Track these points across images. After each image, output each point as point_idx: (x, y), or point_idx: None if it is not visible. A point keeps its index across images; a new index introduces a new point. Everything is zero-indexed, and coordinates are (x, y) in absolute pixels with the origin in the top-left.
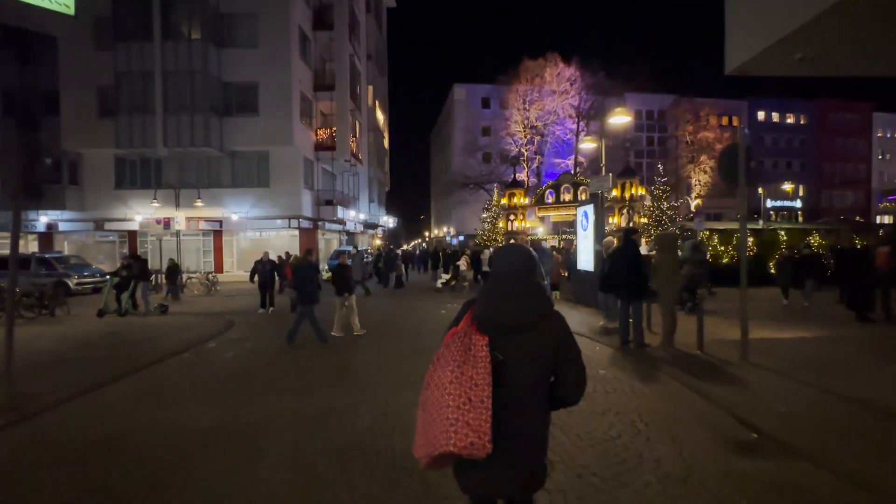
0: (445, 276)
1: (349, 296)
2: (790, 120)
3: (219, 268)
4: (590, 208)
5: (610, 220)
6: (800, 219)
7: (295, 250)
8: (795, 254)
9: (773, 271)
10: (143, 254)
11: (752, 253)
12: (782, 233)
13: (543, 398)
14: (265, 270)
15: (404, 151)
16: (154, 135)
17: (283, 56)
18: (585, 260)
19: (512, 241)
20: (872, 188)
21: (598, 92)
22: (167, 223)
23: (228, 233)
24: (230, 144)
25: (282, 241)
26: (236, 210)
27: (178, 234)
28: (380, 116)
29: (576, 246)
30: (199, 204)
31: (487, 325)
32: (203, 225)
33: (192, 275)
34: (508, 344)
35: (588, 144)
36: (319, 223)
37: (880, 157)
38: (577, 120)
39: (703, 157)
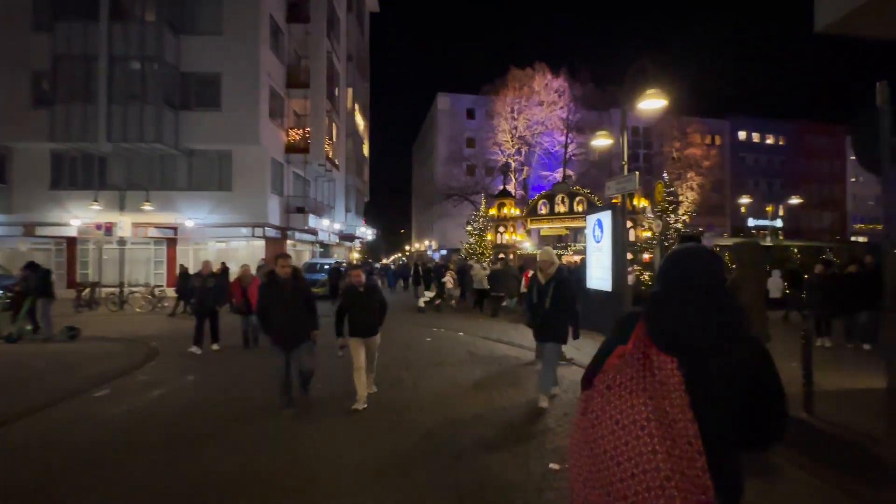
0: (429, 295)
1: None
2: (770, 140)
3: (172, 281)
4: (606, 216)
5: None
6: (780, 237)
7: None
8: (836, 271)
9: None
10: (84, 264)
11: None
12: (795, 249)
13: (734, 438)
14: (205, 290)
15: (386, 162)
16: (96, 127)
17: (251, 46)
18: (599, 278)
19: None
20: (848, 210)
21: (586, 105)
22: (108, 229)
23: (184, 241)
24: (187, 141)
25: (246, 251)
26: (192, 216)
27: (121, 241)
28: (360, 121)
29: (577, 262)
30: (147, 207)
31: (668, 343)
32: (153, 232)
33: (134, 289)
34: (694, 367)
35: (602, 141)
36: (289, 232)
37: (853, 179)
38: (565, 132)
39: (690, 174)
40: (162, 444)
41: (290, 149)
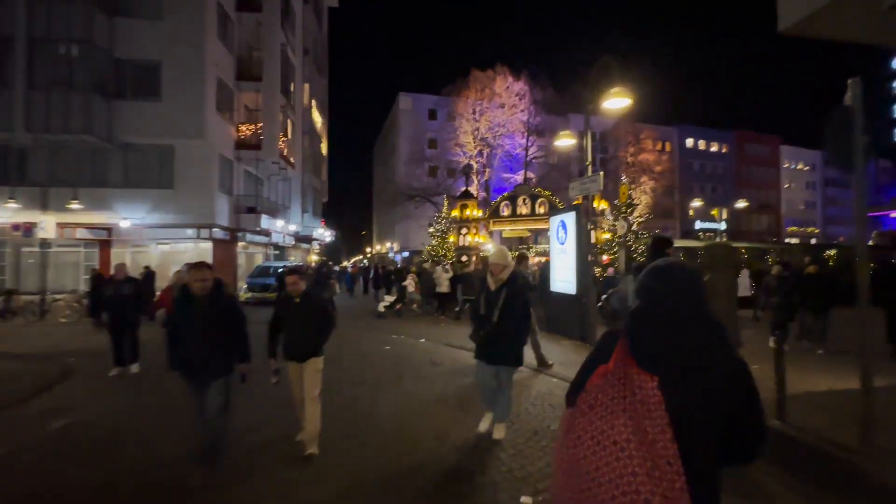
0: (389, 299)
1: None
2: (714, 148)
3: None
4: (570, 217)
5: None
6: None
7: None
8: (790, 273)
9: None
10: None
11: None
12: (743, 251)
13: (714, 456)
14: (120, 296)
15: (347, 162)
16: (12, 116)
17: (196, 33)
18: (563, 280)
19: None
20: (781, 214)
21: (546, 109)
22: (28, 229)
23: (120, 243)
24: (122, 134)
25: (193, 254)
26: (128, 215)
27: (44, 243)
28: (317, 118)
29: (541, 264)
30: (75, 206)
31: (649, 361)
32: (82, 233)
33: (58, 296)
34: (675, 386)
35: (565, 141)
36: (239, 234)
37: (786, 186)
38: (526, 135)
39: (643, 178)
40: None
41: (241, 145)
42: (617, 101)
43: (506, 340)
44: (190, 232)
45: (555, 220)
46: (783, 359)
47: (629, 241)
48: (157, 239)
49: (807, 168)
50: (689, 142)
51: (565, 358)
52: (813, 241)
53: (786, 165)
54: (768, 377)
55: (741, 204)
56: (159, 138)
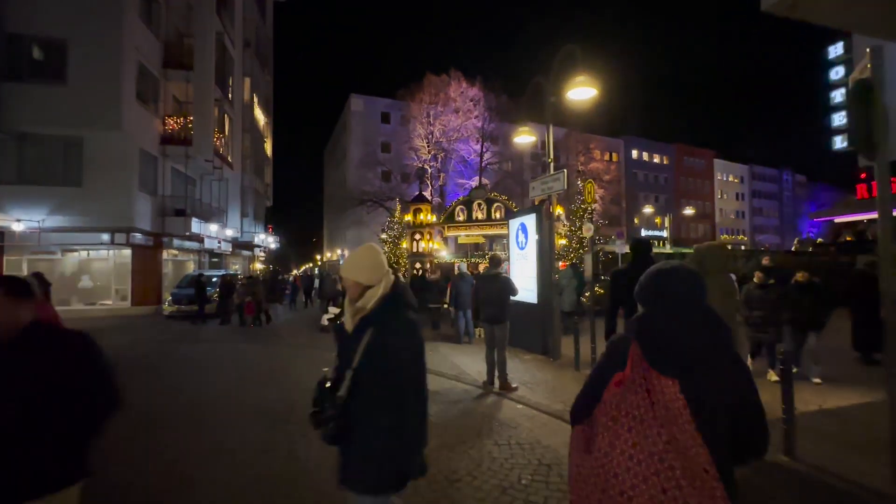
0: (334, 311)
1: None
2: (657, 159)
3: None
4: (530, 219)
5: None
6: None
7: (125, 276)
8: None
9: None
10: None
11: None
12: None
13: (730, 456)
14: None
15: (295, 167)
16: None
17: (113, 10)
18: (524, 288)
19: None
20: (716, 222)
21: (500, 115)
22: None
23: (15, 250)
24: (16, 122)
25: (109, 263)
26: (23, 216)
27: None
28: (260, 117)
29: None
30: None
31: (666, 364)
32: None
33: None
34: (695, 388)
35: (525, 138)
36: (165, 239)
37: (719, 196)
38: (480, 141)
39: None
40: None
41: (168, 140)
42: (582, 91)
43: (362, 431)
44: (104, 237)
45: (514, 224)
46: (791, 383)
47: (588, 245)
48: (63, 245)
49: (736, 180)
50: (634, 153)
51: (529, 377)
52: (742, 247)
53: (718, 177)
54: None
55: (688, 211)
56: (64, 128)
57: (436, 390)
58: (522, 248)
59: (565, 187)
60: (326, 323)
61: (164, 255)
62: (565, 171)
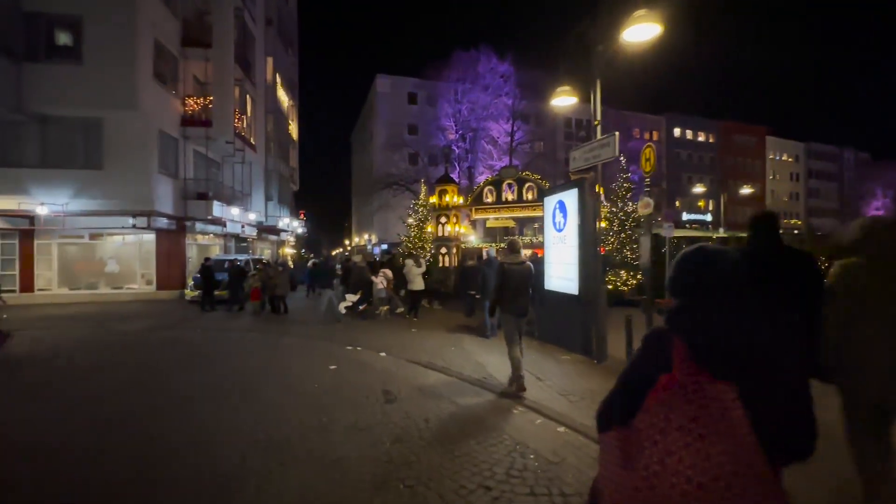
0: (352, 298)
1: None
2: (701, 138)
3: (27, 285)
4: (570, 196)
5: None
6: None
7: (150, 260)
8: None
9: None
10: None
11: None
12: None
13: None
14: None
15: (326, 153)
16: None
17: None
18: (561, 277)
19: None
20: (767, 205)
21: (531, 92)
22: None
23: (44, 234)
24: (36, 104)
25: (131, 247)
26: (47, 200)
27: None
28: (284, 98)
29: (531, 256)
30: None
31: (721, 366)
32: None
33: None
34: (755, 394)
35: (565, 99)
36: (188, 223)
37: (771, 177)
38: (511, 119)
39: (631, 168)
40: None
41: (189, 121)
42: (641, 31)
43: None
44: (127, 221)
45: (550, 202)
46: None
47: (647, 225)
48: (89, 228)
49: (790, 159)
50: (677, 131)
51: (570, 385)
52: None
53: (770, 156)
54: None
55: (746, 190)
56: (83, 109)
57: (453, 398)
58: (560, 230)
59: (616, 154)
60: (344, 311)
61: (188, 239)
62: (617, 134)
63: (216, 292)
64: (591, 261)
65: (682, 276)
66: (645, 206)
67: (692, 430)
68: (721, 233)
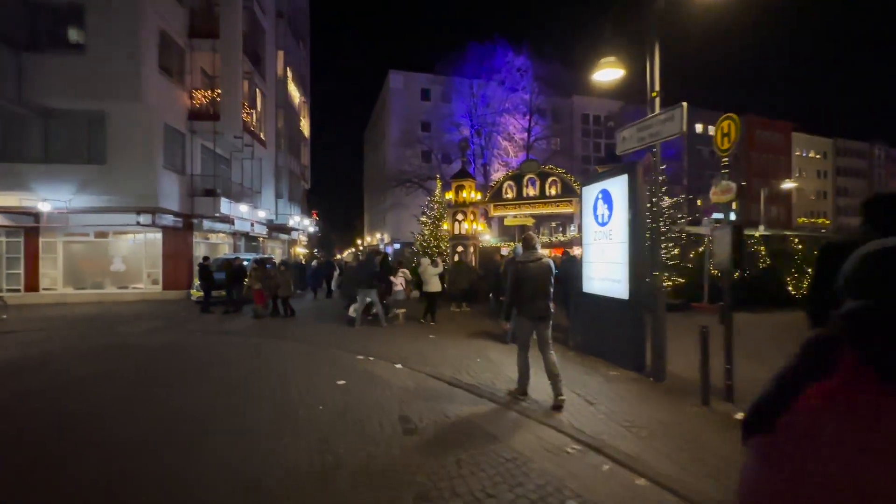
0: (355, 307)
1: None
2: None
3: (32, 283)
4: (617, 184)
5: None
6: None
7: (156, 259)
8: None
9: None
10: None
11: (764, 265)
12: (795, 240)
13: None
14: None
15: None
16: None
17: None
18: (605, 278)
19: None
20: (793, 203)
21: (548, 86)
22: None
23: (48, 232)
24: (38, 96)
25: (135, 246)
26: (50, 196)
27: None
28: (295, 93)
29: (563, 255)
30: None
31: None
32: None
33: None
34: None
35: (610, 72)
36: (195, 220)
37: (797, 174)
38: (528, 115)
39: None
40: None
41: (196, 115)
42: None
43: None
44: (132, 218)
45: (590, 192)
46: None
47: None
48: (94, 226)
49: (818, 156)
50: (699, 127)
51: (626, 411)
52: (823, 231)
53: (797, 153)
54: None
55: (789, 185)
56: (85, 102)
57: (488, 428)
58: (604, 224)
59: (683, 130)
60: (353, 314)
61: (196, 237)
62: (685, 105)
63: (214, 293)
64: (645, 259)
65: (873, 271)
66: (725, 191)
67: (855, 446)
68: (761, 230)
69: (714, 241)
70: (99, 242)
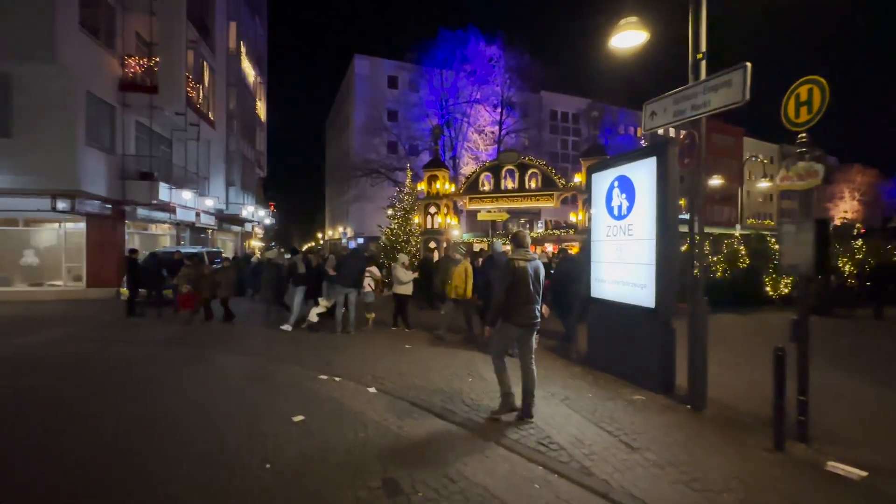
0: (326, 304)
1: None
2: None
3: None
4: (642, 169)
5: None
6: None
7: (79, 252)
8: None
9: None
10: None
11: (743, 265)
12: (772, 240)
13: None
14: None
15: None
16: None
17: None
18: (623, 282)
19: (433, 243)
20: (743, 204)
21: (520, 77)
22: None
23: None
24: None
25: (51, 236)
26: None
27: None
28: (249, 71)
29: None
30: None
31: None
32: None
33: None
34: None
35: (631, 34)
36: (128, 208)
37: (747, 178)
38: (500, 108)
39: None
40: None
41: (128, 85)
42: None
43: None
44: (44, 202)
45: (603, 178)
46: None
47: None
48: (1, 211)
49: (766, 160)
50: (661, 129)
51: (678, 457)
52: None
53: (747, 157)
54: None
55: (764, 185)
56: None
57: (505, 498)
58: (621, 217)
59: (746, 97)
60: (316, 319)
61: (129, 227)
62: (748, 65)
63: (142, 292)
64: (675, 261)
65: None
66: (806, 174)
67: None
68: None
69: (783, 239)
70: (7, 231)
